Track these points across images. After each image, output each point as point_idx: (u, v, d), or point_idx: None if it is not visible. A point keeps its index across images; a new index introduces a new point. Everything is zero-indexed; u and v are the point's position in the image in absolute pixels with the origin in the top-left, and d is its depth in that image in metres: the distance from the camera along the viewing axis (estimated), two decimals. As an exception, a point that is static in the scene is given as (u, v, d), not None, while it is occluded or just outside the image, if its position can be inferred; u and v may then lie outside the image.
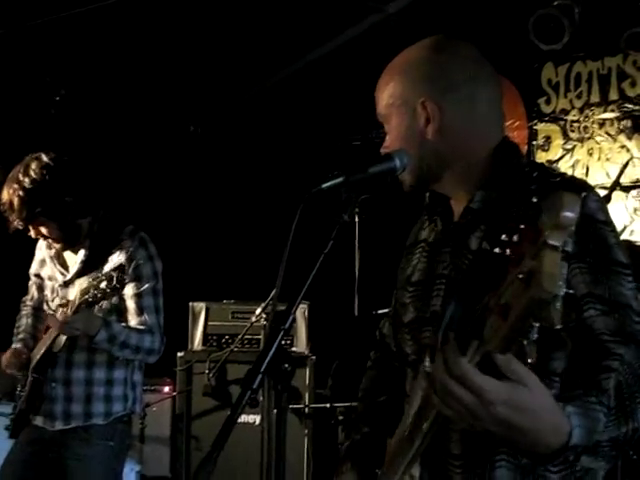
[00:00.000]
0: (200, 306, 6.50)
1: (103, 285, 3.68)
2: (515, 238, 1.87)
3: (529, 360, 1.51)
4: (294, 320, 1.77)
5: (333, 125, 7.44)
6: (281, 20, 6.79)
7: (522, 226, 1.83)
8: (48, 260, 4.21)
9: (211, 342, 6.43)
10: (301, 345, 6.35)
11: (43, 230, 3.99)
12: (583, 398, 1.75)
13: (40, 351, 4.01)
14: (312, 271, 1.80)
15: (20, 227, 3.97)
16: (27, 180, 3.87)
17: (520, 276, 1.43)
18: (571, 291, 1.41)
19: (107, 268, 3.83)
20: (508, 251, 1.87)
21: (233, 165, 8.02)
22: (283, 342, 5.71)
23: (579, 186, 2.01)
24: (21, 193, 3.86)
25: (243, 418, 6.02)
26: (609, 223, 1.97)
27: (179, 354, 6.32)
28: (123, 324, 3.94)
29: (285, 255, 1.83)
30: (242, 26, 6.83)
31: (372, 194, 2.05)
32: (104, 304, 3.89)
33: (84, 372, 4.01)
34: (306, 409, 6.08)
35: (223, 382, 6.22)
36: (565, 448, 1.68)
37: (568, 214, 1.42)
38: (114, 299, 3.92)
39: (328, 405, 5.74)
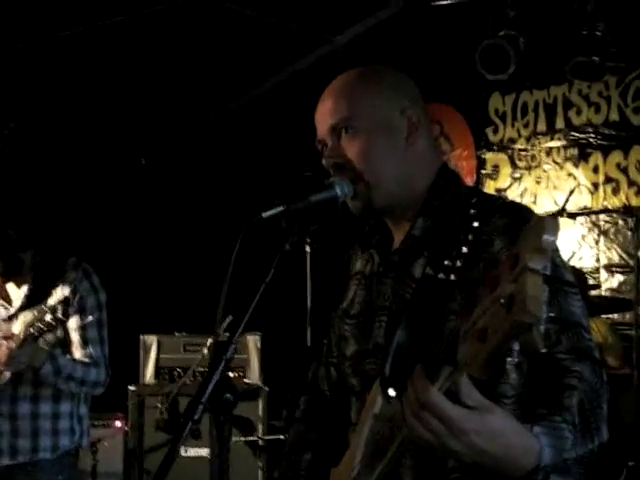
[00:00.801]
0: (151, 339, 6.45)
1: (48, 318, 3.65)
2: (458, 263, 1.88)
3: (510, 381, 1.51)
4: (236, 350, 1.76)
5: (284, 156, 7.45)
6: (230, 52, 6.82)
7: (465, 249, 1.84)
8: None
9: (163, 375, 6.38)
10: (254, 376, 6.32)
11: None
12: (548, 417, 1.75)
13: None
14: (253, 301, 1.78)
15: None
16: None
17: (502, 301, 1.43)
18: (552, 314, 1.41)
19: (51, 301, 3.80)
20: (452, 276, 1.88)
21: (183, 197, 7.99)
22: (235, 373, 5.63)
23: (520, 208, 2.03)
24: None
25: (194, 452, 5.97)
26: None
27: (130, 388, 6.26)
28: (68, 357, 3.90)
29: (226, 285, 1.82)
30: (191, 59, 6.84)
31: (323, 224, 2.03)
32: (49, 337, 3.86)
33: (30, 406, 3.96)
34: (260, 441, 6.04)
35: (176, 416, 6.16)
36: (536, 469, 1.68)
37: (549, 238, 1.41)
38: (59, 332, 3.88)
39: (282, 437, 5.70)
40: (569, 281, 1.95)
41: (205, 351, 5.81)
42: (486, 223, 1.93)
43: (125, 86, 7.01)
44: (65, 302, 3.64)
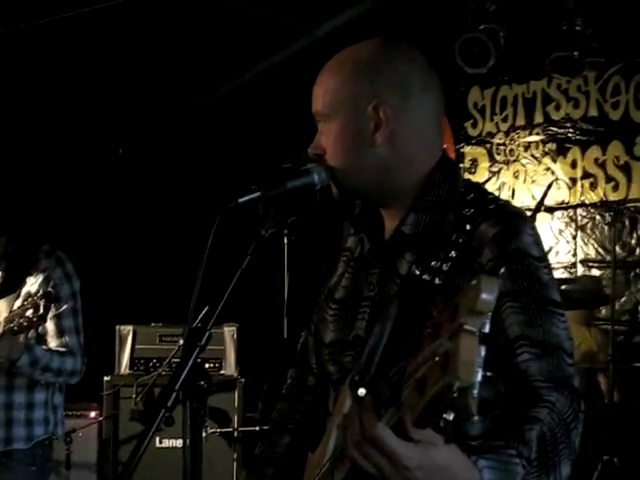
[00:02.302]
0: (127, 329, 6.41)
1: (29, 313, 3.60)
2: (445, 267, 1.86)
3: (444, 438, 1.50)
4: (210, 337, 1.74)
5: (263, 148, 7.43)
6: (210, 43, 6.79)
7: (453, 254, 1.80)
8: None
9: (138, 366, 6.34)
10: (230, 368, 6.30)
11: None
12: (501, 450, 1.71)
13: None
14: (228, 287, 1.76)
15: None
16: None
17: (436, 359, 1.42)
18: (489, 373, 1.39)
19: (25, 289, 3.77)
20: (437, 280, 1.86)
21: (159, 186, 7.96)
22: (211, 365, 5.61)
23: (513, 216, 1.95)
24: None
25: (168, 443, 5.96)
26: (543, 259, 1.91)
27: (106, 378, 6.22)
28: (44, 347, 3.87)
29: (200, 273, 1.80)
30: (170, 49, 6.81)
31: (300, 214, 2.01)
32: (30, 333, 3.81)
33: (4, 396, 3.92)
34: (235, 433, 6.03)
35: (151, 406, 6.13)
36: None
37: (486, 297, 1.39)
38: (40, 328, 3.84)
39: (258, 428, 5.69)
40: (555, 300, 1.89)
41: (181, 342, 5.79)
42: (478, 226, 1.88)
43: (102, 76, 6.97)
44: (47, 297, 3.58)
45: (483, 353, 1.38)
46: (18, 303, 3.80)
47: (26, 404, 3.95)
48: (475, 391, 1.36)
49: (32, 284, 3.81)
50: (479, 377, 1.36)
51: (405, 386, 1.52)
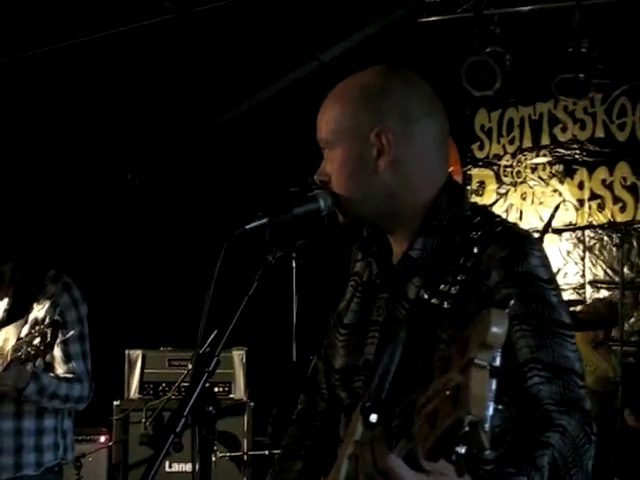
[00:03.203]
0: (136, 354, 6.42)
1: (36, 342, 3.59)
2: (453, 290, 1.86)
3: (457, 471, 1.50)
4: (219, 363, 1.75)
5: (270, 172, 7.46)
6: (216, 68, 6.82)
7: (461, 277, 1.79)
8: None
9: (148, 390, 6.34)
10: (239, 392, 6.30)
11: None
12: (512, 478, 1.70)
13: None
14: (236, 313, 1.77)
15: None
16: None
17: (447, 392, 1.41)
18: (500, 406, 1.39)
19: (32, 315, 3.77)
20: (446, 304, 1.86)
21: (167, 211, 7.98)
22: (220, 388, 5.59)
23: (521, 238, 1.95)
24: None
25: (178, 467, 5.95)
26: (551, 281, 1.91)
27: (115, 403, 6.22)
28: (51, 374, 3.86)
29: (208, 298, 1.81)
30: (177, 74, 6.85)
31: (308, 238, 2.02)
32: (38, 361, 3.81)
33: (12, 423, 3.91)
34: (245, 457, 6.02)
35: (160, 431, 6.13)
36: None
37: (496, 331, 1.39)
38: (48, 357, 3.84)
39: (267, 452, 5.68)
40: (565, 322, 1.88)
41: (190, 366, 5.79)
42: (485, 249, 1.89)
43: (110, 102, 7.00)
44: (55, 326, 3.58)
45: (494, 387, 1.37)
46: (25, 329, 3.81)
47: (35, 430, 3.94)
48: (487, 425, 1.36)
49: (39, 310, 3.81)
50: (490, 411, 1.36)
51: (417, 418, 1.51)
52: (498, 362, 1.39)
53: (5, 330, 3.86)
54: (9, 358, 3.65)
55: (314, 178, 2.08)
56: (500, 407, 1.37)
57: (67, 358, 3.89)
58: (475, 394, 1.35)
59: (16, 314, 3.90)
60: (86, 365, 3.95)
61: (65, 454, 4.04)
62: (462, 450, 1.40)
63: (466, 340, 1.43)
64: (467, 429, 1.36)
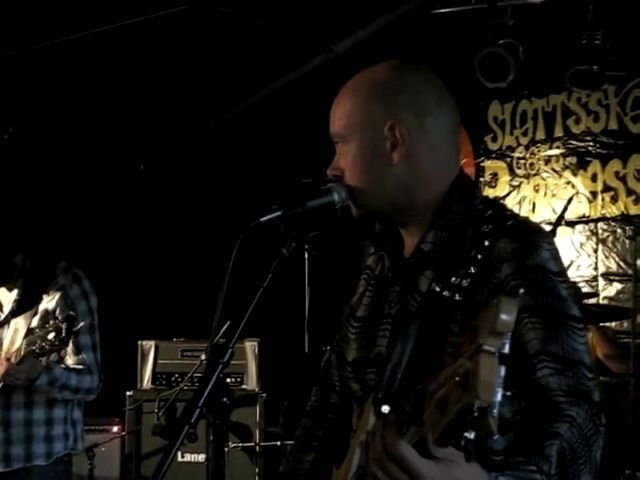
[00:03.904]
0: (149, 344, 6.44)
1: (51, 337, 3.61)
2: (465, 283, 1.88)
3: (465, 457, 1.52)
4: (233, 354, 1.76)
5: (283, 163, 7.46)
6: (229, 59, 6.83)
7: (473, 270, 1.81)
8: None
9: (160, 381, 6.37)
10: (251, 383, 6.32)
11: None
12: (520, 467, 1.72)
13: None
14: (250, 305, 1.78)
15: None
16: None
17: (457, 378, 1.44)
18: (509, 393, 1.41)
19: (42, 306, 3.78)
20: (457, 296, 1.88)
21: (181, 202, 8.00)
22: (232, 379, 5.61)
23: (531, 231, 1.97)
24: None
25: (191, 457, 5.98)
26: (562, 273, 1.93)
27: (128, 393, 6.25)
28: (62, 366, 3.88)
29: (223, 290, 1.82)
30: (189, 66, 6.85)
31: (321, 230, 2.03)
32: (51, 357, 3.83)
33: (23, 413, 3.93)
34: (257, 447, 6.04)
35: (173, 421, 6.15)
36: None
37: (505, 318, 1.41)
38: (62, 352, 3.85)
39: (279, 443, 5.70)
40: (575, 315, 1.90)
41: (203, 357, 5.81)
42: (496, 242, 1.92)
43: (123, 92, 7.02)
44: (70, 321, 3.59)
45: (503, 373, 1.39)
46: (35, 320, 3.83)
47: (45, 420, 3.96)
48: (495, 410, 1.38)
49: (49, 301, 3.83)
50: (499, 397, 1.38)
51: (427, 405, 1.53)
52: (507, 349, 1.41)
53: (15, 321, 3.88)
54: (22, 352, 3.67)
55: (327, 173, 2.10)
56: (508, 394, 1.39)
57: (77, 349, 3.90)
58: (484, 379, 1.38)
59: (26, 305, 3.92)
60: (96, 356, 3.97)
61: (75, 444, 4.06)
62: (471, 435, 1.42)
63: (476, 328, 1.45)
64: (476, 414, 1.38)
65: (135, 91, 7.04)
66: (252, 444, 6.03)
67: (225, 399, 1.73)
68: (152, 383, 6.37)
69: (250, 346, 6.31)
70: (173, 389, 6.12)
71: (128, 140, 7.77)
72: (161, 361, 6.42)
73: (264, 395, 6.24)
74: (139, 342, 6.46)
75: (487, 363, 1.39)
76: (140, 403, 6.23)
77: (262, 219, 1.91)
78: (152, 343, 6.45)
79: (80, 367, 3.90)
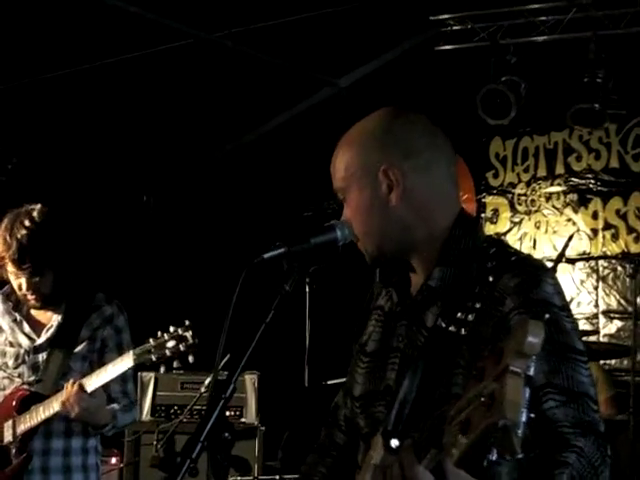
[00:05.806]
0: (149, 376, 6.41)
1: (171, 345, 3.63)
2: (470, 317, 1.90)
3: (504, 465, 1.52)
4: (235, 389, 1.77)
5: (285, 196, 7.49)
6: (234, 92, 6.87)
7: (478, 305, 1.83)
8: (7, 327, 3.96)
9: (160, 413, 6.34)
10: (251, 416, 6.29)
11: (35, 282, 3.80)
12: None
13: (28, 424, 3.77)
14: (253, 341, 1.80)
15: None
16: (32, 225, 3.76)
17: (482, 399, 1.45)
18: (532, 415, 1.42)
19: (86, 333, 3.79)
20: (463, 330, 1.91)
21: (185, 234, 8.01)
22: (232, 412, 5.54)
23: (534, 267, 2.01)
24: (30, 237, 3.73)
25: (191, 491, 5.95)
26: (565, 308, 1.97)
27: (127, 425, 6.23)
28: (116, 406, 3.82)
29: (226, 324, 1.84)
30: (196, 98, 6.90)
31: (322, 264, 2.05)
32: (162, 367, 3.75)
33: (63, 442, 3.86)
34: (255, 481, 6.01)
35: (171, 454, 6.13)
36: None
37: (533, 340, 1.43)
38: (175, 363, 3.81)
39: (278, 477, 5.67)
40: (578, 349, 1.93)
41: (203, 389, 5.79)
42: (500, 278, 1.95)
43: (129, 124, 7.06)
44: (191, 328, 3.62)
45: (528, 394, 1.41)
46: (79, 349, 3.82)
47: (82, 449, 3.85)
48: (520, 430, 1.39)
49: (96, 329, 3.83)
50: (524, 417, 1.39)
51: (447, 428, 1.55)
52: (532, 371, 1.43)
53: (52, 347, 3.86)
54: (93, 384, 3.64)
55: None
56: (532, 415, 1.40)
57: (123, 378, 3.86)
58: (510, 399, 1.39)
59: (68, 332, 3.87)
60: (134, 387, 4.03)
61: (98, 475, 4.03)
62: (493, 457, 1.43)
63: (501, 350, 1.47)
64: (500, 433, 1.39)
65: (142, 123, 7.08)
66: (251, 478, 5.99)
67: (227, 434, 1.74)
68: (151, 415, 6.34)
69: (250, 379, 6.28)
70: (172, 421, 6.08)
71: (132, 172, 7.80)
72: (160, 393, 6.40)
73: (263, 428, 6.21)
74: (139, 374, 6.42)
75: (513, 384, 1.41)
76: (139, 435, 6.19)
77: (265, 256, 1.93)
78: (152, 375, 6.42)
79: (127, 403, 3.86)
